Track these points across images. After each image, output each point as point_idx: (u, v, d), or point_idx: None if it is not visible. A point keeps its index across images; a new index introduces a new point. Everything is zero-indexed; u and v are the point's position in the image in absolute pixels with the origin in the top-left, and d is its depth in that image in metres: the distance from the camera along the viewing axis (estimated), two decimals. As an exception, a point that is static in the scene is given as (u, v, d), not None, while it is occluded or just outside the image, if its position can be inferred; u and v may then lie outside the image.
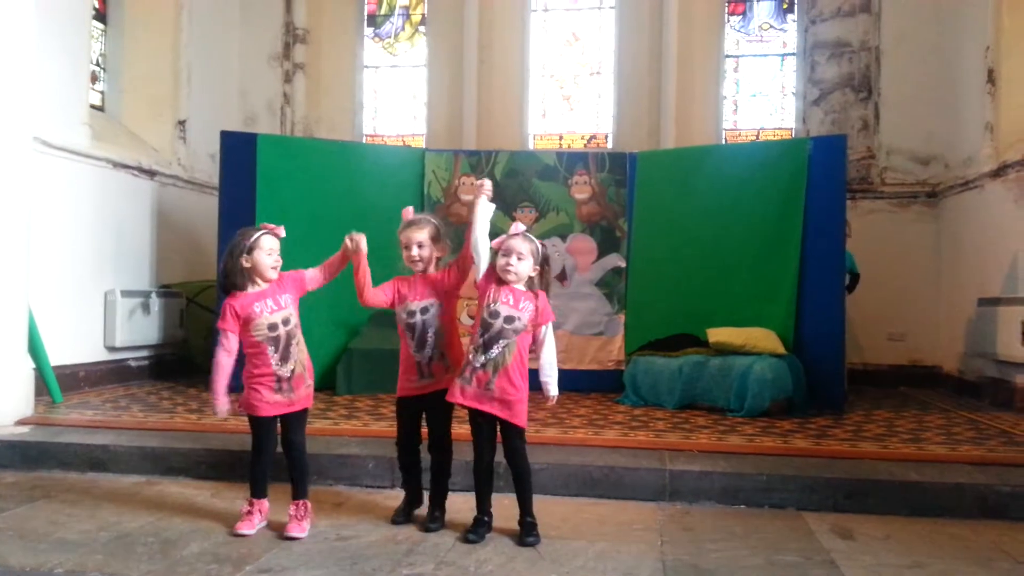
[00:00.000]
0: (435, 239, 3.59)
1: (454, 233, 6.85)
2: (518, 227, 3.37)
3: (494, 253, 3.36)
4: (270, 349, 3.37)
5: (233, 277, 3.40)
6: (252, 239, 3.43)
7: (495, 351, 3.28)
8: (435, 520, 3.48)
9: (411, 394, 3.56)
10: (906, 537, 3.44)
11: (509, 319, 3.29)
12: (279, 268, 3.50)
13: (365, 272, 3.56)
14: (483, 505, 3.40)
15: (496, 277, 3.35)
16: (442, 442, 3.57)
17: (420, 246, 3.53)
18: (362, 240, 3.49)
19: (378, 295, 3.58)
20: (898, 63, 7.94)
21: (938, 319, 7.68)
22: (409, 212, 3.64)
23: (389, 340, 5.41)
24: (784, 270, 6.18)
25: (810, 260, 6.09)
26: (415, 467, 3.65)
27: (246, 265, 3.40)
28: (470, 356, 3.34)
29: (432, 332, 3.48)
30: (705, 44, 8.58)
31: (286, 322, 3.42)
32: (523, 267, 3.30)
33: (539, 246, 3.36)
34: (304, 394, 3.46)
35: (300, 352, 3.47)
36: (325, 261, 3.61)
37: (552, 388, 3.39)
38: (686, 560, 3.12)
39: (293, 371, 3.42)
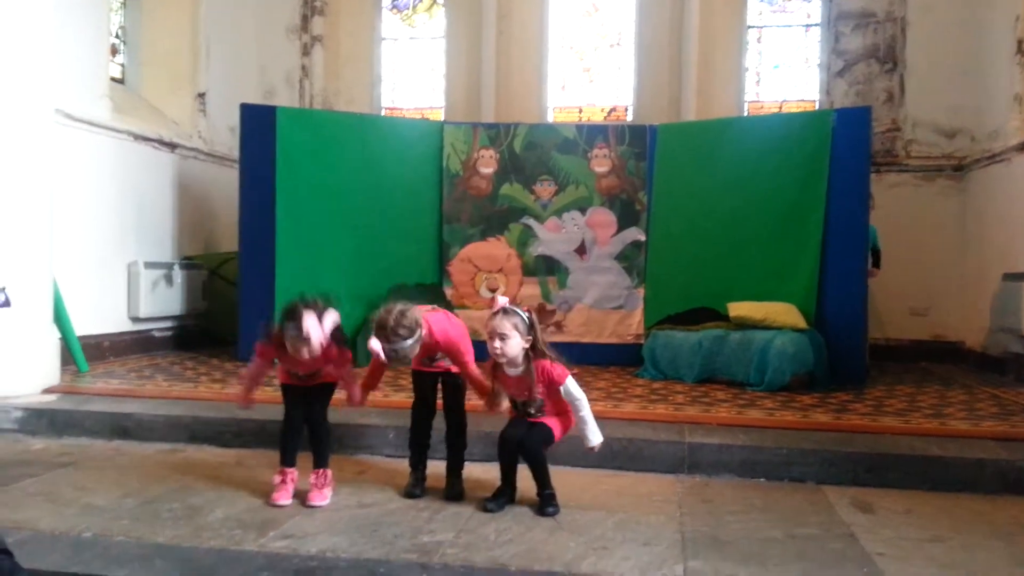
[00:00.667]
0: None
1: (473, 206, 6.94)
2: (497, 302, 3.31)
3: None
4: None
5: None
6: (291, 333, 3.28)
7: (532, 414, 3.36)
8: (454, 489, 3.51)
9: (423, 368, 3.59)
10: (927, 511, 3.43)
11: (526, 404, 3.33)
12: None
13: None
14: (506, 478, 3.42)
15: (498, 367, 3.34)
16: (455, 414, 3.61)
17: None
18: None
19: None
20: (924, 33, 7.80)
21: (962, 294, 7.60)
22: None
23: (409, 312, 5.44)
24: (806, 244, 6.13)
25: (833, 234, 6.04)
26: (423, 437, 3.66)
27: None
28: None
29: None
30: (727, 14, 8.47)
31: (311, 376, 3.48)
32: (511, 347, 3.22)
33: (522, 316, 3.25)
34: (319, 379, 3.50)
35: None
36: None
37: (591, 439, 3.36)
38: (705, 531, 3.13)
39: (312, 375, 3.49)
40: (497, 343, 3.23)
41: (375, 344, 3.22)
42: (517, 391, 3.34)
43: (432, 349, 3.44)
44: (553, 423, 3.36)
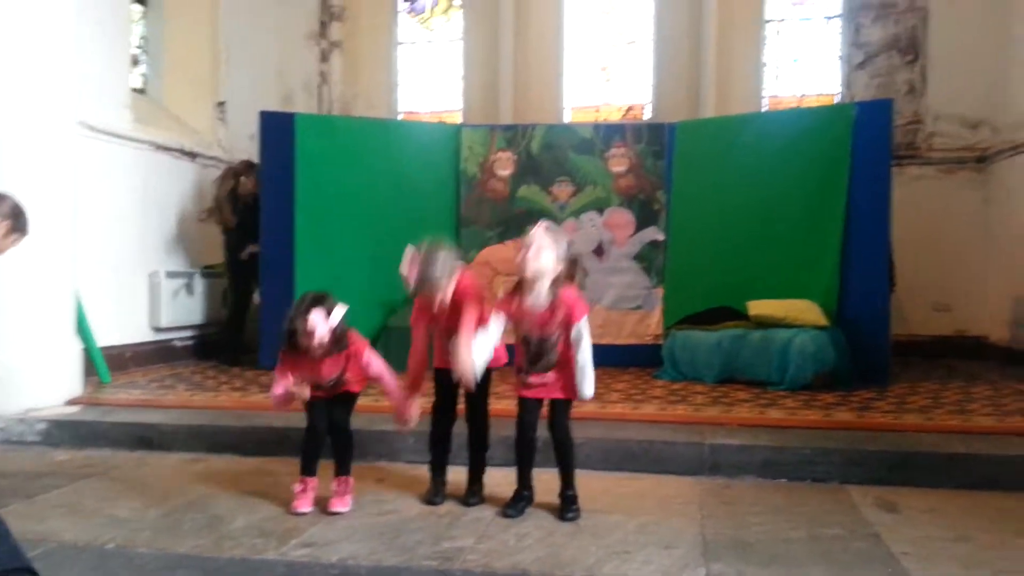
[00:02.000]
0: None
1: (490, 209, 6.93)
2: (543, 223, 3.29)
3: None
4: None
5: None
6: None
7: (542, 362, 3.29)
8: (474, 495, 3.51)
9: (445, 366, 3.57)
10: (952, 510, 3.39)
11: (542, 341, 3.27)
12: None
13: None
14: (524, 479, 3.42)
15: (518, 295, 3.26)
16: (477, 414, 3.60)
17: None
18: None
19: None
20: (946, 24, 7.70)
21: (985, 288, 7.49)
22: None
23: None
24: (827, 240, 6.06)
25: (854, 229, 5.96)
26: (444, 442, 3.64)
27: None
28: (522, 371, 3.35)
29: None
30: (745, 9, 8.39)
31: (333, 387, 3.49)
32: (543, 259, 3.13)
33: (563, 244, 3.19)
34: (342, 387, 3.51)
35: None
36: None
37: (585, 389, 3.29)
38: (727, 534, 3.11)
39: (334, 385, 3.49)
40: (531, 252, 3.12)
41: (408, 268, 3.25)
42: (533, 327, 3.26)
43: (458, 298, 3.37)
44: (563, 387, 3.31)
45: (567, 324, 3.23)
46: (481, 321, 3.29)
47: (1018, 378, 5.99)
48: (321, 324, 3.26)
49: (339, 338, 3.35)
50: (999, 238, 7.33)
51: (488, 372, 3.49)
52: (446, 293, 3.29)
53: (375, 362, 3.46)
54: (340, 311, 3.33)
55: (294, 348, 3.34)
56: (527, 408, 3.39)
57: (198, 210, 7.31)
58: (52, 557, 2.87)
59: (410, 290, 3.32)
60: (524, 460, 3.42)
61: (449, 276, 3.28)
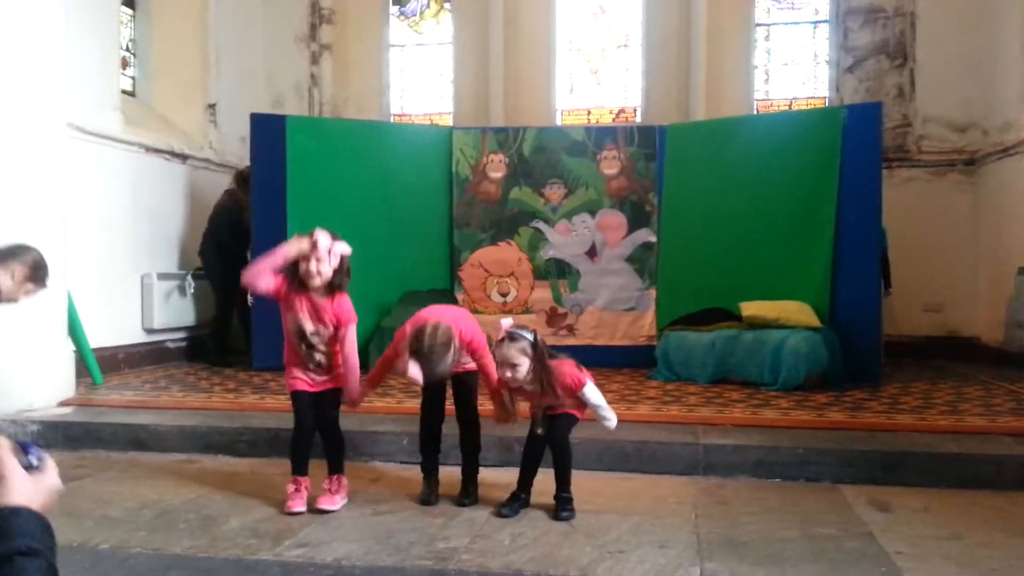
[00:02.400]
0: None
1: (483, 211, 6.94)
2: (503, 325, 3.27)
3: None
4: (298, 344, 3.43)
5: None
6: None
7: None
8: (468, 496, 3.51)
9: None
10: (944, 509, 3.41)
11: (550, 407, 3.33)
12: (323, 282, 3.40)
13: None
14: (523, 483, 3.42)
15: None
16: (467, 416, 3.60)
17: None
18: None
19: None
20: (934, 28, 7.75)
21: (976, 289, 7.54)
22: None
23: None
24: (818, 241, 6.10)
25: (845, 231, 6.00)
26: (434, 442, 3.65)
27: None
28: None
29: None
30: (735, 13, 8.44)
31: (316, 334, 3.45)
32: (521, 373, 3.20)
33: (528, 339, 3.20)
34: (331, 377, 3.51)
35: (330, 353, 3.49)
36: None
37: (609, 423, 3.41)
38: (721, 533, 3.11)
39: (320, 363, 3.47)
40: (508, 372, 3.21)
41: (415, 371, 3.19)
42: (538, 401, 3.34)
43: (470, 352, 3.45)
44: (574, 411, 3.39)
45: (572, 395, 3.31)
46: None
47: (1009, 378, 6.03)
48: (328, 242, 3.32)
49: (338, 280, 3.38)
50: (989, 239, 7.38)
51: (473, 374, 3.52)
52: (453, 363, 3.30)
53: (352, 336, 3.48)
54: (346, 248, 3.38)
55: (296, 277, 3.35)
56: (534, 416, 3.43)
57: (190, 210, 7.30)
58: (45, 558, 2.85)
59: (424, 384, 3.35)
60: (527, 466, 3.44)
61: (454, 354, 3.27)
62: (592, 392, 3.33)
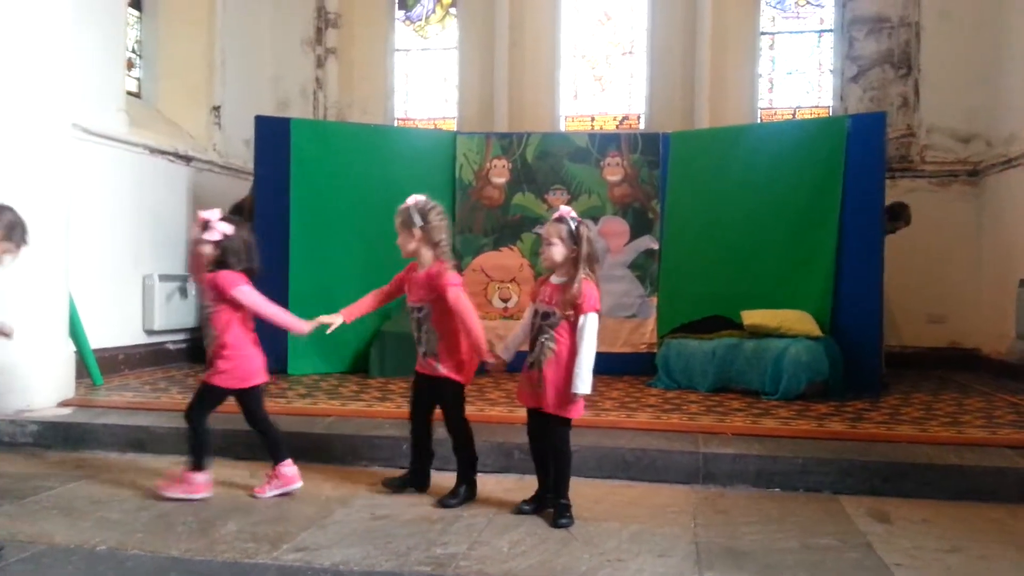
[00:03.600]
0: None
1: (485, 216, 6.94)
2: (561, 210, 3.35)
3: None
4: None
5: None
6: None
7: (536, 349, 3.34)
8: (454, 496, 3.55)
9: (419, 371, 3.69)
10: (944, 521, 3.40)
11: (545, 315, 3.32)
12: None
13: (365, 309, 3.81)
14: (539, 482, 3.48)
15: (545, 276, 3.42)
16: (452, 424, 3.64)
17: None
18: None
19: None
20: (939, 38, 7.75)
21: (979, 301, 7.52)
22: None
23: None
24: (821, 251, 6.09)
25: (848, 241, 6.00)
26: (420, 443, 3.73)
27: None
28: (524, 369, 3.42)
29: (424, 331, 3.59)
30: (740, 21, 8.45)
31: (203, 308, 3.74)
32: (554, 253, 3.29)
33: (570, 226, 3.29)
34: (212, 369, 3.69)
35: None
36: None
37: (579, 386, 3.25)
38: (720, 543, 3.10)
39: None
40: (544, 249, 3.33)
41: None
42: (547, 298, 3.33)
43: (430, 281, 3.52)
44: (553, 392, 3.29)
45: (576, 314, 3.26)
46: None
47: (1011, 390, 6.02)
48: (213, 221, 3.54)
49: (221, 258, 3.58)
50: (992, 251, 7.37)
51: (451, 384, 3.57)
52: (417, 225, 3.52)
53: (250, 296, 3.65)
54: (229, 228, 3.56)
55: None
56: (530, 420, 3.48)
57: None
58: (43, 559, 2.85)
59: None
60: (536, 465, 3.49)
61: (425, 219, 3.54)
62: (592, 327, 3.26)
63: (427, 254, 3.55)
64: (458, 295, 3.46)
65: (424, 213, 3.51)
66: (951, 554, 3.01)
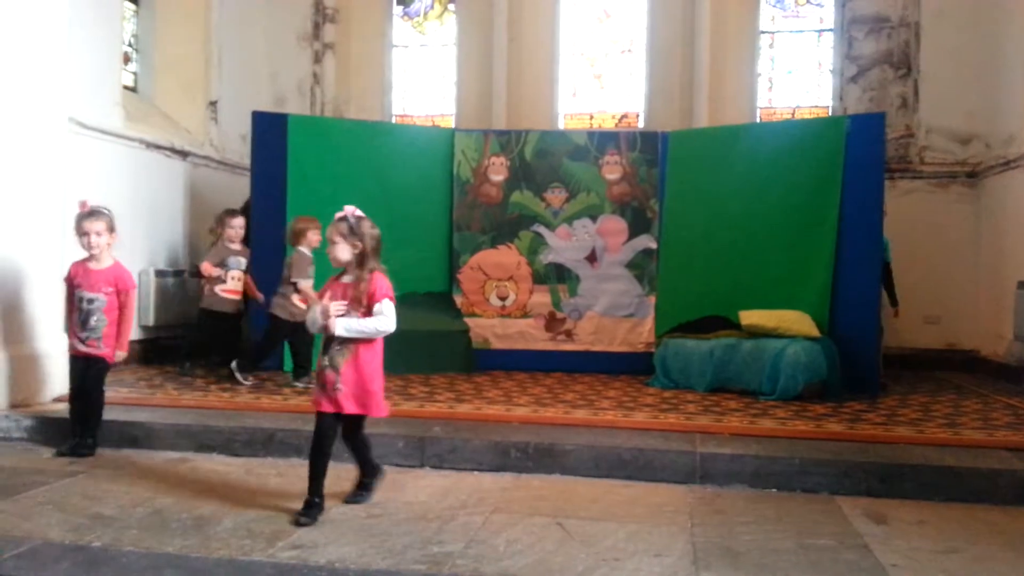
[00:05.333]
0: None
1: (483, 214, 6.93)
2: (344, 209, 3.38)
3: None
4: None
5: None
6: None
7: (331, 351, 3.33)
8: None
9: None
10: (941, 522, 3.40)
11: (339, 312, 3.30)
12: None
13: None
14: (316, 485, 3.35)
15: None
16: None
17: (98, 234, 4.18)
18: None
19: None
20: (938, 39, 7.75)
21: (976, 302, 7.53)
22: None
23: (415, 320, 5.43)
24: (819, 251, 6.09)
25: (846, 241, 6.00)
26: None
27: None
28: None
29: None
30: (739, 20, 8.44)
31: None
32: (338, 252, 3.32)
33: (350, 223, 3.32)
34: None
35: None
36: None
37: (346, 324, 3.27)
38: (717, 542, 3.10)
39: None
40: (328, 249, 3.38)
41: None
42: (339, 296, 3.35)
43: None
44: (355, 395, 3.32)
45: (371, 301, 3.30)
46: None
47: (1008, 392, 6.02)
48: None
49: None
50: (990, 252, 7.37)
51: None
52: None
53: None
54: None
55: None
56: (321, 419, 3.37)
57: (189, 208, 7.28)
58: (37, 555, 2.83)
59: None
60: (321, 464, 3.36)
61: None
62: (390, 310, 3.30)
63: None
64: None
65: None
66: (947, 555, 3.01)
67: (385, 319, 3.29)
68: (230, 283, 6.19)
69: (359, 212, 3.36)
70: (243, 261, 6.27)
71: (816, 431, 4.43)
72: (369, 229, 3.34)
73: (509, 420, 4.54)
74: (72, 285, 4.26)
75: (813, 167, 6.22)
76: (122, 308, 4.28)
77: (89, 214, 4.17)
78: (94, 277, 4.23)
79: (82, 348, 4.22)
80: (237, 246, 6.28)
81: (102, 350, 4.22)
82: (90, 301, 4.19)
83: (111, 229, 4.22)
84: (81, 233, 4.17)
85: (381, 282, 3.32)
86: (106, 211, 4.24)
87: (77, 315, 4.19)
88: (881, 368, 6.14)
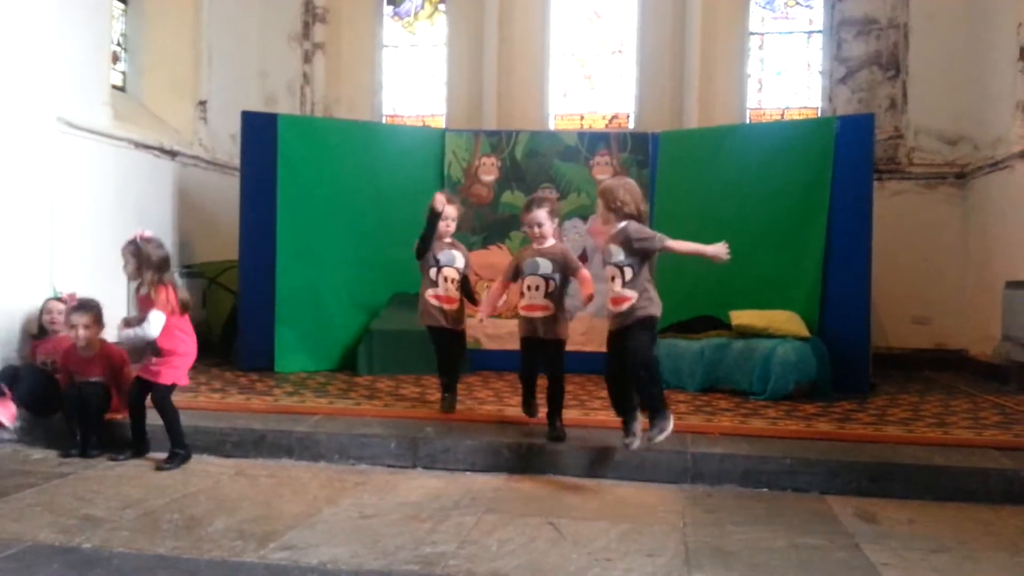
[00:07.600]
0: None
1: (474, 214, 6.92)
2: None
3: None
4: None
5: None
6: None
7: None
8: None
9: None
10: (931, 521, 3.42)
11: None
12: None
13: None
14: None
15: None
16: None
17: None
18: None
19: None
20: (927, 40, 7.79)
21: (965, 302, 7.57)
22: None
23: (410, 321, 5.42)
24: (809, 252, 6.11)
25: (836, 242, 6.02)
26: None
27: None
28: None
29: None
30: (729, 21, 8.46)
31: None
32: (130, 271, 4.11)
33: (135, 244, 4.13)
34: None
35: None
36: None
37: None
38: (709, 542, 3.11)
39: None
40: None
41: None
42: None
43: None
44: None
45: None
46: None
47: (996, 392, 6.05)
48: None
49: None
50: (978, 253, 7.41)
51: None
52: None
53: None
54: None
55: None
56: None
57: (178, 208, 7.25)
58: (27, 557, 2.81)
59: None
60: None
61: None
62: (157, 319, 4.15)
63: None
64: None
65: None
66: (937, 554, 3.03)
67: (147, 325, 4.04)
68: None
69: (148, 234, 4.02)
70: None
71: (807, 431, 4.44)
72: (146, 247, 4.03)
73: (501, 420, 4.54)
74: (68, 370, 4.44)
75: (802, 168, 6.24)
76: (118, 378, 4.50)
77: (77, 307, 4.40)
78: (86, 364, 4.41)
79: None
80: None
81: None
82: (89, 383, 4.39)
83: (97, 321, 4.41)
84: (69, 326, 4.39)
85: (166, 295, 4.07)
86: (93, 303, 4.45)
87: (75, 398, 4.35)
88: (871, 368, 6.16)
